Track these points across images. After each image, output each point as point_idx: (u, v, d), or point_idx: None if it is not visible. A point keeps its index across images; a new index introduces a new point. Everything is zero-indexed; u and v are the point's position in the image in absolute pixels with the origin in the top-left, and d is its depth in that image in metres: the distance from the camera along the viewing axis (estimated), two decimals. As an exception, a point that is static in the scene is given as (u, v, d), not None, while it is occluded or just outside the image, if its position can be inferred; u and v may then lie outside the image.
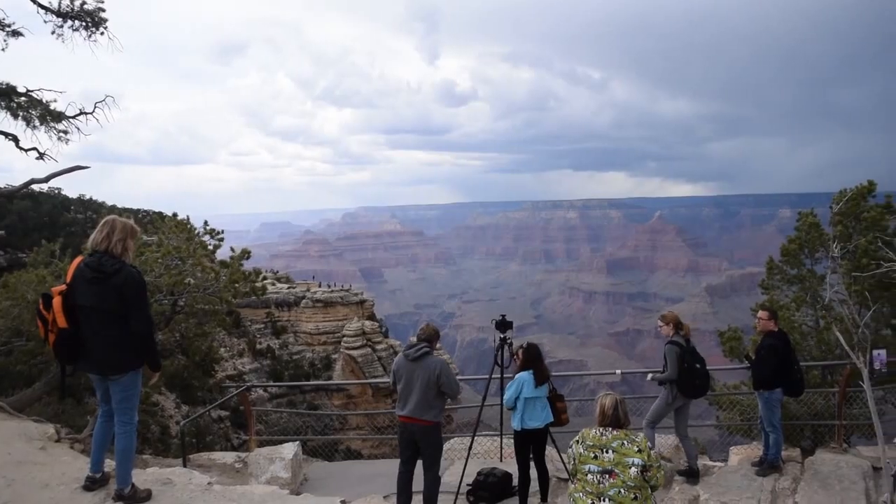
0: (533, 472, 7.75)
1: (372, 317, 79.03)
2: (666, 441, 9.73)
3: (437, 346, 7.49)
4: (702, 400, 11.77)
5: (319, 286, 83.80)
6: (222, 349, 53.58)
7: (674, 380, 8.22)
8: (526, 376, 7.50)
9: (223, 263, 11.59)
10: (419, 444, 7.15)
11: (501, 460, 9.42)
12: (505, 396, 7.67)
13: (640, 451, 4.99)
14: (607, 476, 4.95)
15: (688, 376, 8.17)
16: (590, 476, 4.99)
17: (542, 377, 7.56)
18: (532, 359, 7.64)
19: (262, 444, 10.62)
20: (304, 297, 75.46)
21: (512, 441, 7.98)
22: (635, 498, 4.91)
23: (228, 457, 9.68)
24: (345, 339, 70.06)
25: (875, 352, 7.82)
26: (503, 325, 8.37)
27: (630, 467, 4.93)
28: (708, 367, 8.47)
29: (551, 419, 7.65)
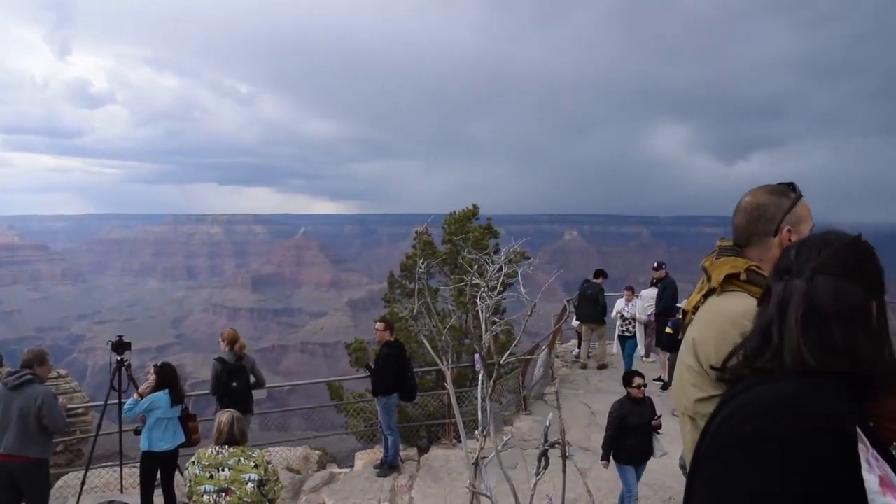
0: (160, 500, 7.39)
1: (-22, 344, 68.70)
2: (293, 454, 9.93)
3: (61, 373, 6.74)
4: (330, 409, 12.13)
5: None
6: None
7: (212, 394, 8.36)
8: (161, 396, 7.13)
9: None
10: (20, 486, 6.39)
11: (122, 491, 8.80)
12: (128, 408, 7.17)
13: (256, 466, 5.01)
14: (223, 495, 4.89)
15: (223, 389, 8.22)
16: (206, 497, 4.89)
17: (178, 397, 7.25)
18: (167, 378, 7.28)
19: None
20: None
21: (136, 470, 7.51)
22: None
23: None
24: (-60, 371, 59.76)
25: (476, 356, 8.86)
26: (120, 346, 7.88)
27: (246, 483, 4.93)
28: (337, 377, 8.81)
29: (182, 440, 7.36)
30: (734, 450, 1.21)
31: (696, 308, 2.21)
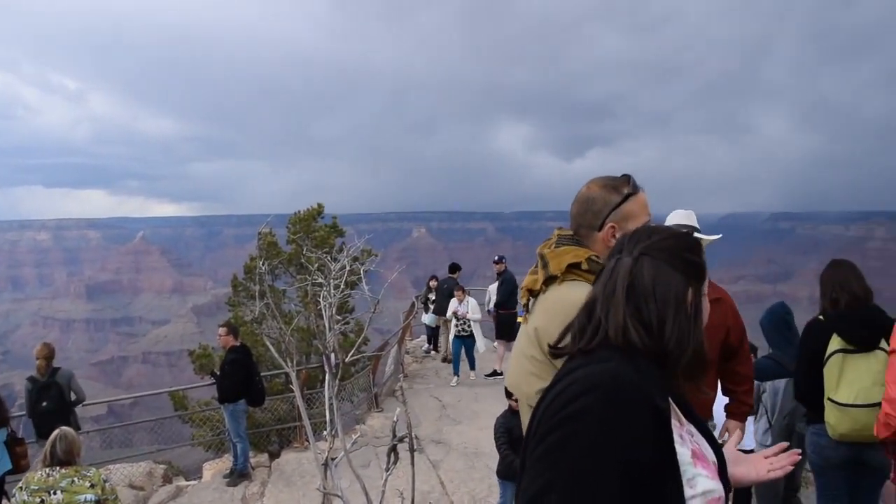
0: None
1: None
2: (136, 469, 9.45)
3: None
4: (175, 421, 11.61)
5: None
6: None
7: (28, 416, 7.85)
8: None
9: None
10: None
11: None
12: None
13: (93, 486, 4.71)
14: (57, 519, 4.58)
15: (32, 410, 7.74)
16: None
17: (2, 420, 6.65)
18: None
19: None
20: None
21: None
22: None
23: None
24: None
25: (325, 356, 8.77)
26: None
27: (83, 505, 4.64)
28: (180, 387, 8.44)
29: (8, 467, 6.78)
30: (557, 429, 1.24)
31: (533, 292, 2.19)
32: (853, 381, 3.61)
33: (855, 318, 3.70)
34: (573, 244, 2.13)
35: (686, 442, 1.36)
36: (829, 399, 3.67)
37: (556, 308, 1.96)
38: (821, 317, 4.01)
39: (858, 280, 3.89)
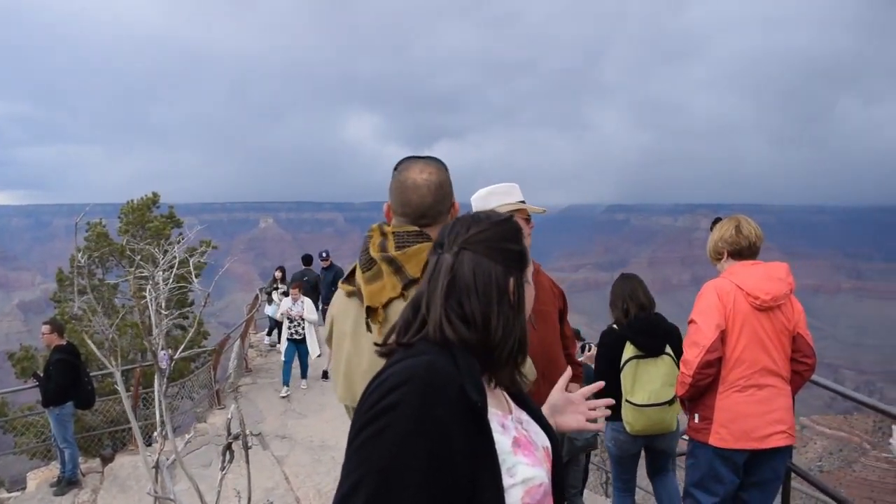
0: None
1: None
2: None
3: None
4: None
5: None
6: None
7: None
8: None
9: None
10: None
11: None
12: None
13: None
14: None
15: None
16: None
17: None
18: None
19: None
20: None
21: None
22: None
23: None
24: None
25: (161, 353, 8.34)
26: None
27: None
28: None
29: None
30: (372, 422, 1.22)
31: (372, 308, 2.01)
32: (646, 384, 4.15)
33: (644, 328, 4.21)
34: (420, 240, 2.03)
35: (509, 430, 1.37)
36: (627, 401, 4.19)
37: None
38: (615, 326, 4.51)
39: (644, 291, 4.44)
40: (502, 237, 1.43)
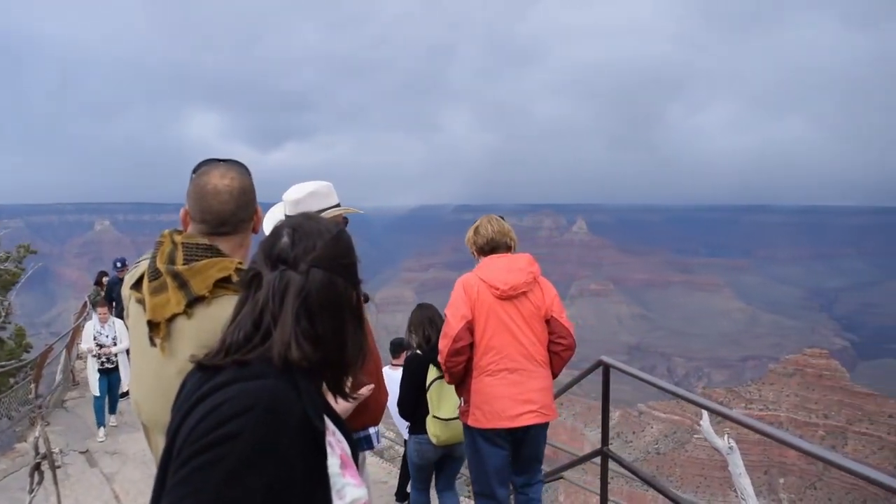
0: None
1: None
2: None
3: None
4: None
5: None
6: None
7: None
8: None
9: None
10: None
11: None
12: None
13: None
14: None
15: None
16: None
17: None
18: None
19: None
20: None
21: None
22: None
23: None
24: None
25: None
26: None
27: None
28: None
29: None
30: (205, 451, 1.15)
31: (154, 323, 1.87)
32: (449, 400, 4.44)
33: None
34: (209, 254, 1.90)
35: (335, 449, 1.35)
36: (434, 416, 4.52)
37: (214, 332, 1.47)
38: (418, 351, 4.83)
39: (440, 318, 4.74)
40: (345, 252, 1.41)
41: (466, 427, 3.97)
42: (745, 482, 6.01)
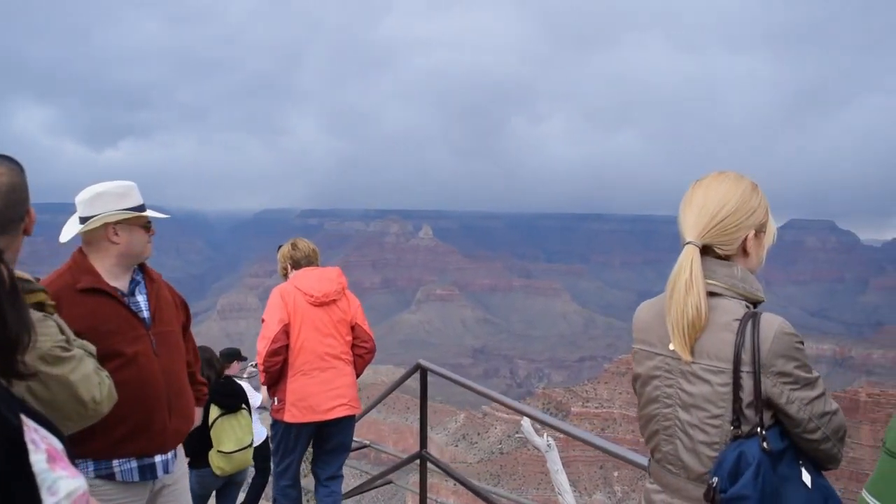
0: None
1: None
2: None
3: None
4: None
5: None
6: None
7: None
8: None
9: None
10: None
11: None
12: None
13: None
14: None
15: None
16: None
17: None
18: None
19: None
20: None
21: None
22: None
23: None
24: None
25: None
26: None
27: None
28: None
29: None
30: None
31: None
32: (232, 435, 4.69)
33: (226, 391, 4.82)
34: None
35: (39, 445, 1.24)
36: (219, 451, 4.67)
37: None
38: None
39: (217, 359, 5.15)
40: None
41: (279, 423, 4.29)
42: (562, 478, 6.25)
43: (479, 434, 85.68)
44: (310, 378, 4.16)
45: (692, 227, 1.80)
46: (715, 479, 1.65)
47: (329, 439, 4.41)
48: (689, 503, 1.76)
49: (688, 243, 1.78)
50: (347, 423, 4.42)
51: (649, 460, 1.94)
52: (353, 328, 4.40)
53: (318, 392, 4.17)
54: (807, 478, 1.67)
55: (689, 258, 1.76)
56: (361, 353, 4.43)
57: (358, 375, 4.46)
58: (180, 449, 2.93)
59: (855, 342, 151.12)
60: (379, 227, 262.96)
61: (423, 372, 4.91)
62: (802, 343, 1.69)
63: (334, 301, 4.32)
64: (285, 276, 4.56)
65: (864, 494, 1.20)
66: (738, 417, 1.67)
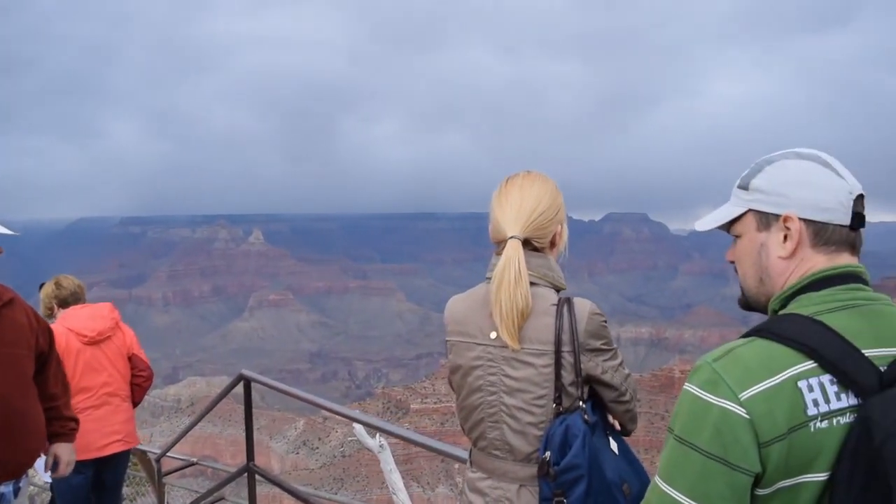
0: None
1: None
2: None
3: None
4: None
5: None
6: None
7: None
8: None
9: None
10: None
11: None
12: None
13: None
14: None
15: None
16: None
17: None
18: None
19: None
20: None
21: None
22: None
23: None
24: None
25: None
26: None
27: None
28: None
29: None
30: None
31: None
32: None
33: None
34: None
35: None
36: None
37: None
38: None
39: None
40: None
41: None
42: (395, 478, 6.31)
43: (319, 439, 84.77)
44: (86, 416, 4.07)
45: (513, 222, 1.95)
46: (547, 454, 1.78)
47: (102, 474, 4.45)
48: (517, 483, 1.88)
49: (511, 237, 1.91)
50: (121, 458, 4.57)
51: (470, 450, 2.05)
52: (130, 359, 4.54)
53: (93, 430, 4.18)
54: (614, 446, 1.89)
55: (515, 251, 1.89)
56: (140, 382, 4.58)
57: (138, 403, 4.64)
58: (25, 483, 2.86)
59: (668, 324, 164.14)
60: (206, 233, 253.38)
61: (247, 382, 4.73)
62: (606, 321, 1.93)
63: (109, 337, 4.41)
64: (50, 315, 4.48)
65: (657, 481, 1.22)
66: (559, 395, 1.83)
